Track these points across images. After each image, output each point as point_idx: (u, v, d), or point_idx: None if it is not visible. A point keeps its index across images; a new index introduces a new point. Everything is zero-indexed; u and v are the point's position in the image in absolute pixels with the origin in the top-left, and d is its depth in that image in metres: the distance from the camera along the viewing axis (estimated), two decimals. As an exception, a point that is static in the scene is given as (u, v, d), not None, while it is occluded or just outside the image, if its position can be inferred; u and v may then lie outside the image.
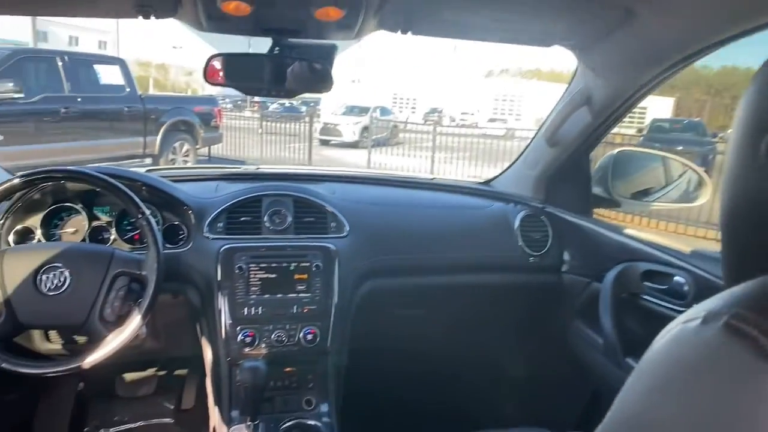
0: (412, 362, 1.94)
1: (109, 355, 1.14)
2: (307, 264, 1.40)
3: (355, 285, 1.48)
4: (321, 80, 1.29)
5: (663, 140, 10.52)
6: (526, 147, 1.84)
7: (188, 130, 8.21)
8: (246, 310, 1.35)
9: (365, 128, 13.87)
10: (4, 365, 1.10)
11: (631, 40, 1.20)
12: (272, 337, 1.34)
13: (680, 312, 0.46)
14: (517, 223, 1.69)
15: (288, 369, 1.40)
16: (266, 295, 1.36)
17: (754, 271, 0.45)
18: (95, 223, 1.44)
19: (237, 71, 1.28)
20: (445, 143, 10.46)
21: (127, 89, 7.36)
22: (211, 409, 1.43)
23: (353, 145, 14.43)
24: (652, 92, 1.40)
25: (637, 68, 1.30)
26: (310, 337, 1.36)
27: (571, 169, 1.69)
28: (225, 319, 1.34)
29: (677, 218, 6.61)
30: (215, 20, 1.15)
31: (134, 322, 1.14)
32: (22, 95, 5.87)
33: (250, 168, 1.85)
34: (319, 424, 1.31)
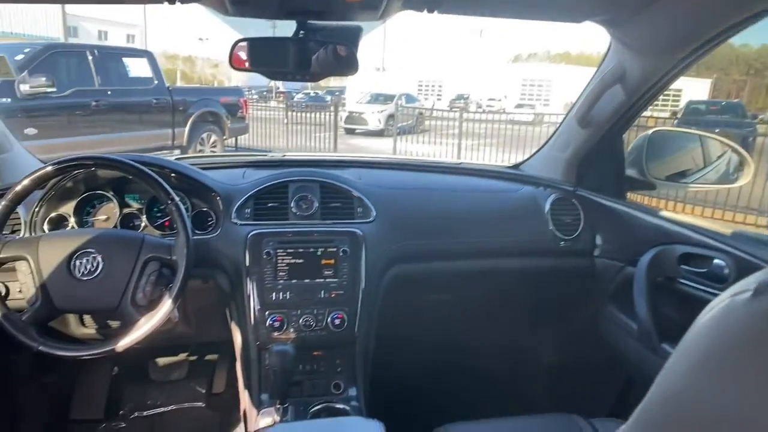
0: (440, 348, 1.93)
1: (142, 339, 1.16)
2: (334, 249, 1.40)
3: (382, 270, 1.47)
4: (346, 63, 1.27)
5: (699, 123, 10.21)
6: (556, 129, 1.80)
7: (215, 121, 8.30)
8: (274, 295, 1.35)
9: (390, 116, 13.80)
10: (41, 348, 1.13)
11: (668, 12, 1.14)
12: (300, 321, 1.35)
13: None
14: (547, 206, 1.65)
15: (316, 352, 1.40)
16: (294, 280, 1.37)
17: None
18: (126, 210, 1.47)
19: (262, 56, 1.28)
20: (471, 130, 10.33)
21: (155, 81, 7.46)
22: (241, 393, 1.45)
23: (379, 134, 14.40)
24: (689, 68, 1.35)
25: (674, 42, 1.24)
26: (337, 321, 1.36)
27: (604, 150, 1.64)
28: (254, 304, 1.35)
29: (713, 203, 6.41)
30: (239, 4, 1.15)
31: (165, 306, 1.16)
32: (54, 89, 5.99)
33: (277, 155, 1.85)
34: (347, 407, 1.31)
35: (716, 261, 1.23)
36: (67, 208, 1.42)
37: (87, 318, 1.46)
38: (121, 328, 1.29)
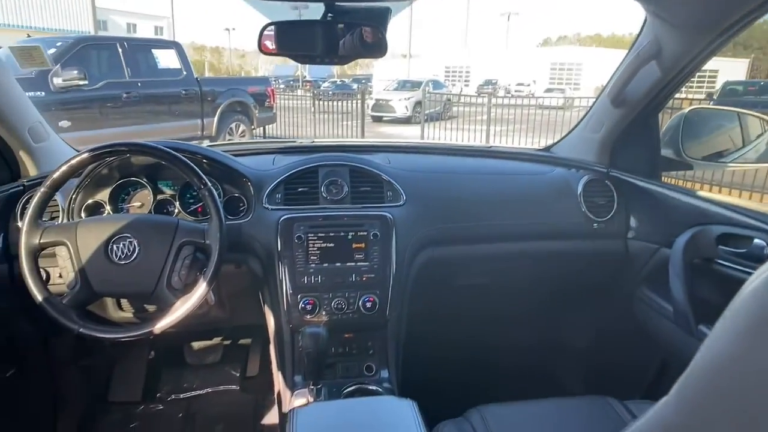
0: (472, 331, 1.93)
1: (178, 322, 1.19)
2: (365, 233, 1.40)
3: (412, 254, 1.47)
4: (375, 45, 1.26)
5: (736, 104, 9.85)
6: (588, 110, 1.76)
7: (243, 111, 8.38)
8: (306, 278, 1.37)
9: (418, 103, 13.71)
10: (81, 330, 1.16)
11: None
12: (332, 305, 1.36)
13: None
14: (580, 188, 1.62)
15: (348, 335, 1.41)
16: (325, 264, 1.38)
17: None
18: (160, 197, 1.50)
19: (289, 40, 1.28)
20: (500, 115, 10.17)
21: (184, 72, 7.55)
22: (274, 375, 1.47)
23: (406, 121, 14.34)
24: (728, 43, 1.29)
25: (711, 15, 1.20)
26: (369, 305, 1.37)
27: (638, 130, 1.60)
28: (286, 287, 1.36)
29: (751, 186, 6.19)
30: None
31: (200, 290, 1.18)
32: (86, 82, 6.12)
33: (306, 141, 1.86)
34: (379, 389, 1.32)
35: (756, 241, 1.18)
36: (103, 195, 1.46)
37: (124, 302, 1.50)
38: (157, 311, 1.33)
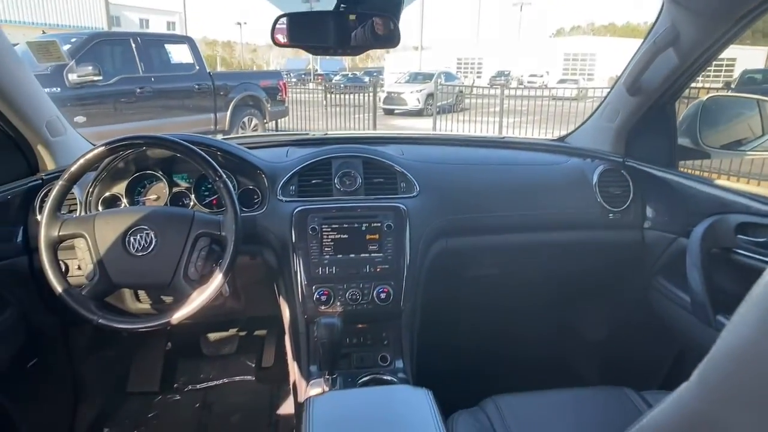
0: (486, 321, 1.93)
1: (194, 313, 1.20)
2: (378, 224, 1.40)
3: (426, 244, 1.47)
4: (388, 35, 1.26)
5: (755, 93, 9.65)
6: (604, 99, 1.74)
7: (256, 105, 8.40)
8: (320, 270, 1.37)
9: (430, 95, 13.66)
10: (100, 321, 1.18)
11: None
12: (347, 295, 1.36)
13: None
14: (595, 178, 1.61)
15: (363, 325, 1.42)
16: (339, 255, 1.38)
17: None
18: (175, 190, 1.51)
19: (302, 31, 1.27)
20: (513, 107, 10.09)
21: (197, 67, 7.58)
22: (290, 366, 1.48)
23: (418, 113, 14.29)
24: (747, 29, 1.27)
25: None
26: (383, 295, 1.37)
27: (655, 119, 1.58)
28: (301, 279, 1.37)
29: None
30: None
31: (216, 281, 1.19)
32: (100, 78, 6.18)
33: (318, 133, 1.86)
34: (394, 379, 1.33)
35: None
36: (119, 188, 1.48)
37: (142, 293, 1.52)
38: (174, 302, 1.34)
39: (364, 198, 1.48)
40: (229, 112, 7.88)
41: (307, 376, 1.35)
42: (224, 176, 1.24)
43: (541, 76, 27.89)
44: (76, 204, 1.41)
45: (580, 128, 1.87)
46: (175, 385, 2.11)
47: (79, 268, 1.35)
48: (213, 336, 2.25)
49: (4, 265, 1.34)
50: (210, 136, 1.62)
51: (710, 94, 1.62)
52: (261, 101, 8.42)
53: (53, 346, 1.71)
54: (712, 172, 5.84)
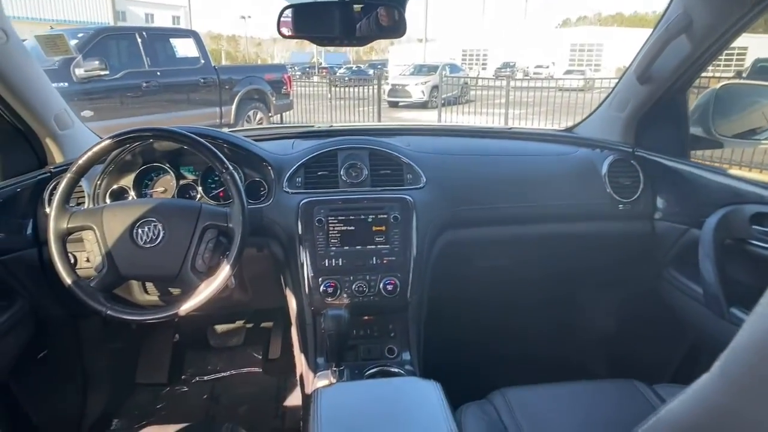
0: (495, 313, 1.92)
1: (202, 304, 1.20)
2: (385, 216, 1.40)
3: (433, 236, 1.46)
4: (394, 25, 1.24)
5: None
6: (613, 88, 1.71)
7: (261, 99, 8.38)
8: (327, 261, 1.37)
9: (435, 87, 13.60)
10: (109, 312, 1.18)
11: None
12: (353, 287, 1.36)
13: None
14: (604, 169, 1.59)
15: (369, 317, 1.41)
16: (346, 247, 1.38)
17: None
18: (182, 182, 1.51)
19: (307, 22, 1.27)
20: (519, 99, 10.03)
21: (202, 61, 7.57)
22: (297, 357, 1.48)
23: (423, 106, 14.23)
24: (763, 14, 1.24)
25: None
26: (390, 287, 1.37)
27: (666, 108, 1.55)
28: (307, 271, 1.37)
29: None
30: None
31: (224, 272, 1.19)
32: (107, 72, 6.19)
33: (324, 126, 1.85)
34: (401, 371, 1.32)
35: None
36: (127, 181, 1.48)
37: (150, 285, 1.52)
38: (182, 294, 1.34)
39: (370, 189, 1.47)
40: (234, 106, 7.88)
41: (314, 368, 1.34)
42: (231, 168, 1.24)
43: (547, 67, 27.71)
44: (84, 197, 1.42)
45: (589, 118, 1.85)
46: (183, 377, 2.12)
47: (88, 260, 1.36)
48: (220, 328, 2.26)
49: (13, 258, 1.35)
50: (216, 129, 1.61)
51: (724, 82, 1.60)
52: (266, 95, 8.41)
53: (62, 337, 1.72)
54: (723, 163, 5.79)
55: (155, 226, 1.21)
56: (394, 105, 14.56)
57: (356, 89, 11.00)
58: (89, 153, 1.20)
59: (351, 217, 1.39)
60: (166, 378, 2.08)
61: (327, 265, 1.37)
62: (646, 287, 1.65)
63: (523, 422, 1.06)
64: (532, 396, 1.16)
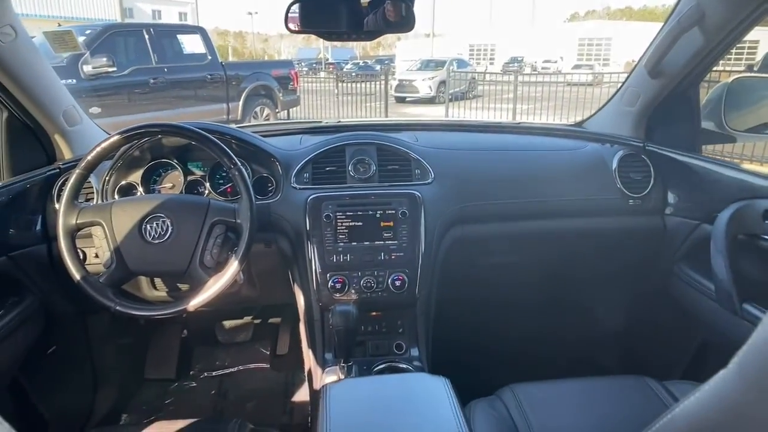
0: (504, 309, 1.91)
1: (210, 300, 1.20)
2: (393, 211, 1.39)
3: (441, 232, 1.45)
4: (401, 19, 1.23)
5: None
6: (623, 83, 1.69)
7: (268, 95, 8.39)
8: (335, 257, 1.37)
9: (442, 83, 13.53)
10: (118, 308, 1.19)
11: None
12: (361, 283, 1.36)
13: None
14: (614, 163, 1.58)
15: (378, 313, 1.41)
16: (354, 243, 1.37)
17: None
18: (190, 178, 1.51)
19: (314, 16, 1.26)
20: (527, 93, 9.97)
21: (209, 57, 7.57)
22: (305, 353, 1.48)
23: (430, 101, 14.18)
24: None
25: None
26: (398, 283, 1.36)
27: (677, 102, 1.53)
28: (315, 266, 1.37)
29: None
30: None
31: (232, 268, 1.19)
32: (115, 69, 6.21)
33: (332, 121, 1.85)
34: (410, 367, 1.32)
35: None
36: (135, 177, 1.48)
37: (158, 281, 1.52)
38: (190, 290, 1.34)
39: (378, 185, 1.46)
40: (241, 102, 7.88)
41: (323, 364, 1.34)
42: (239, 164, 1.24)
43: (555, 61, 27.51)
44: (93, 193, 1.42)
45: (598, 113, 1.83)
46: (191, 372, 2.13)
47: (97, 256, 1.36)
48: (228, 323, 2.27)
49: (23, 254, 1.35)
50: (224, 125, 1.61)
51: (736, 76, 1.57)
52: (273, 91, 8.41)
53: (72, 333, 1.73)
54: (734, 158, 5.74)
55: (164, 221, 1.21)
56: (401, 100, 14.51)
57: (363, 85, 10.98)
58: (98, 149, 1.20)
59: (359, 213, 1.39)
60: (175, 373, 2.09)
61: (335, 260, 1.37)
62: (656, 283, 1.63)
63: (532, 418, 1.06)
64: (541, 392, 1.15)
